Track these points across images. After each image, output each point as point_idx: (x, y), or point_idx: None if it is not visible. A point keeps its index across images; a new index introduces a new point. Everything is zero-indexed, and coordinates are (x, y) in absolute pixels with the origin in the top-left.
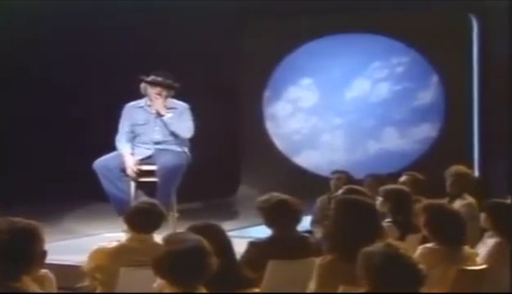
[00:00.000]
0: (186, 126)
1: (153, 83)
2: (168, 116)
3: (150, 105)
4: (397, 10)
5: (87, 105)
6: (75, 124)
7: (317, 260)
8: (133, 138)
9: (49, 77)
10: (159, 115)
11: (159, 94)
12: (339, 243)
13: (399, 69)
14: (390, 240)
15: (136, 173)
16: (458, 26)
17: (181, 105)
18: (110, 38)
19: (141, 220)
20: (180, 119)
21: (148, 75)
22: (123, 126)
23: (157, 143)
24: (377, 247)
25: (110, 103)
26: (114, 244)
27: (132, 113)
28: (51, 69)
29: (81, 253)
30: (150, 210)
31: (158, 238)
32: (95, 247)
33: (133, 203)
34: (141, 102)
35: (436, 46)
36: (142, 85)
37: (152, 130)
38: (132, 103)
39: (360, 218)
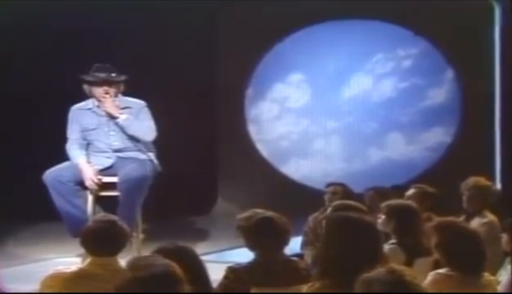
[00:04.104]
0: (145, 127)
1: (94, 83)
2: (122, 118)
3: (99, 106)
4: None
5: (32, 110)
6: (19, 130)
7: (305, 288)
8: (87, 145)
9: None
10: (111, 117)
11: (107, 93)
12: (330, 269)
13: (406, 63)
14: (394, 265)
15: (97, 185)
16: (477, 12)
17: (137, 103)
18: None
19: (101, 242)
20: (137, 120)
21: (88, 72)
22: (72, 133)
23: (117, 150)
24: (378, 273)
25: (60, 107)
26: (72, 269)
27: (80, 117)
28: None
29: (30, 281)
30: (111, 229)
31: (122, 261)
32: (49, 272)
33: (90, 222)
34: (89, 103)
35: (451, 36)
36: (85, 85)
37: (107, 135)
38: (79, 105)
39: (355, 239)
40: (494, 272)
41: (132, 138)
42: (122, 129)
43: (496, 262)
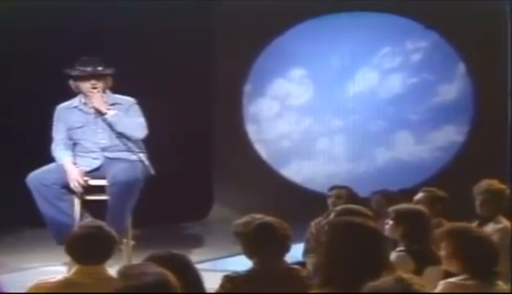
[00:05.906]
0: (136, 124)
1: (81, 78)
2: (110, 114)
3: (85, 103)
4: None
5: (14, 108)
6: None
7: None
8: (73, 146)
9: None
10: (99, 114)
11: (94, 87)
12: (332, 276)
13: (415, 57)
14: (402, 273)
15: (82, 187)
16: (489, 4)
17: (127, 100)
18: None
19: (87, 249)
20: (127, 116)
21: (73, 66)
22: (58, 132)
23: (104, 149)
24: (385, 281)
25: (43, 105)
26: (58, 278)
27: (66, 116)
28: None
29: (13, 291)
30: (97, 235)
31: (111, 270)
32: (33, 282)
33: (75, 228)
34: (75, 101)
35: (463, 28)
36: (71, 80)
37: (94, 133)
38: (64, 104)
39: (358, 245)
40: (507, 281)
41: (122, 135)
42: (110, 126)
43: (509, 271)
